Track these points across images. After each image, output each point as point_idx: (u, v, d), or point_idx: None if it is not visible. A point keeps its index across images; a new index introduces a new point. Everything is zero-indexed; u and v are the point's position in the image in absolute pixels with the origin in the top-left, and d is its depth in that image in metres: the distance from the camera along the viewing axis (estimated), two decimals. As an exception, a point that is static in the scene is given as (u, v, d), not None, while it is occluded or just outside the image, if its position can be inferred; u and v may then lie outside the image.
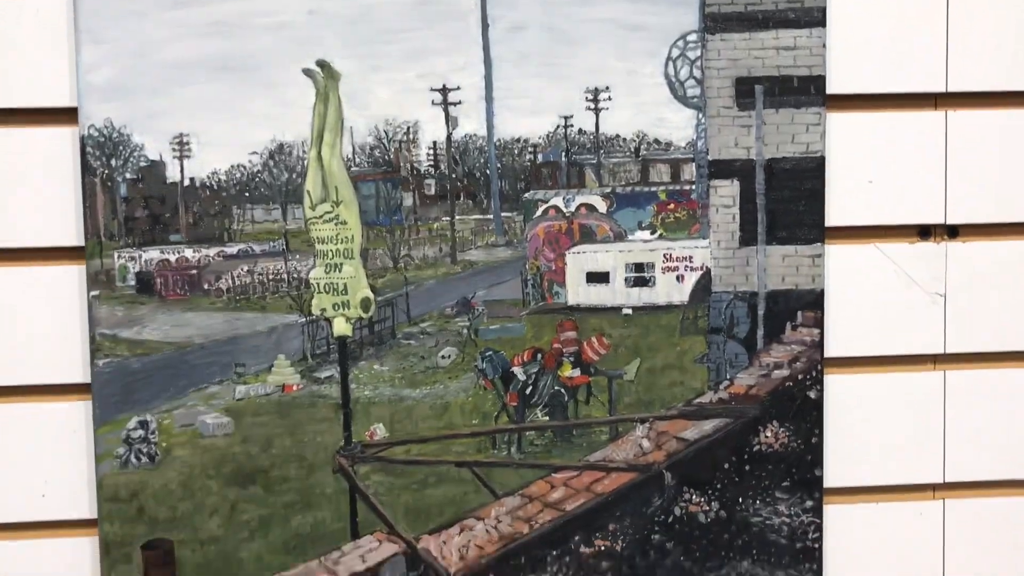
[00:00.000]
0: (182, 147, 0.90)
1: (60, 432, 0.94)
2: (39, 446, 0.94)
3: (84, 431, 0.93)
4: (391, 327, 0.95)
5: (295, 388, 0.94)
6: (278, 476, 0.94)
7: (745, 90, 0.95)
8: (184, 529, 0.93)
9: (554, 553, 0.98)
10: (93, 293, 0.91)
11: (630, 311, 0.97)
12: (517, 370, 0.96)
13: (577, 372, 0.97)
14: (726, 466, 0.98)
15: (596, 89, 0.92)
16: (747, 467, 0.98)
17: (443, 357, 0.95)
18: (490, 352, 0.95)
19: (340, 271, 0.93)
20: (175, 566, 0.93)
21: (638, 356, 0.96)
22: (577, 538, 0.98)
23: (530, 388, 0.97)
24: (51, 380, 0.94)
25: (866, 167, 0.98)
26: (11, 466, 0.94)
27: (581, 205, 0.96)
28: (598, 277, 0.97)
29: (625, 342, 0.96)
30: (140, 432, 0.92)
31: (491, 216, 0.94)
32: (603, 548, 0.98)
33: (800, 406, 0.98)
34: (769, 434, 0.98)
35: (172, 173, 0.91)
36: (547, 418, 0.97)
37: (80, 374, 0.93)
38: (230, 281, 0.93)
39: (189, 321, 0.92)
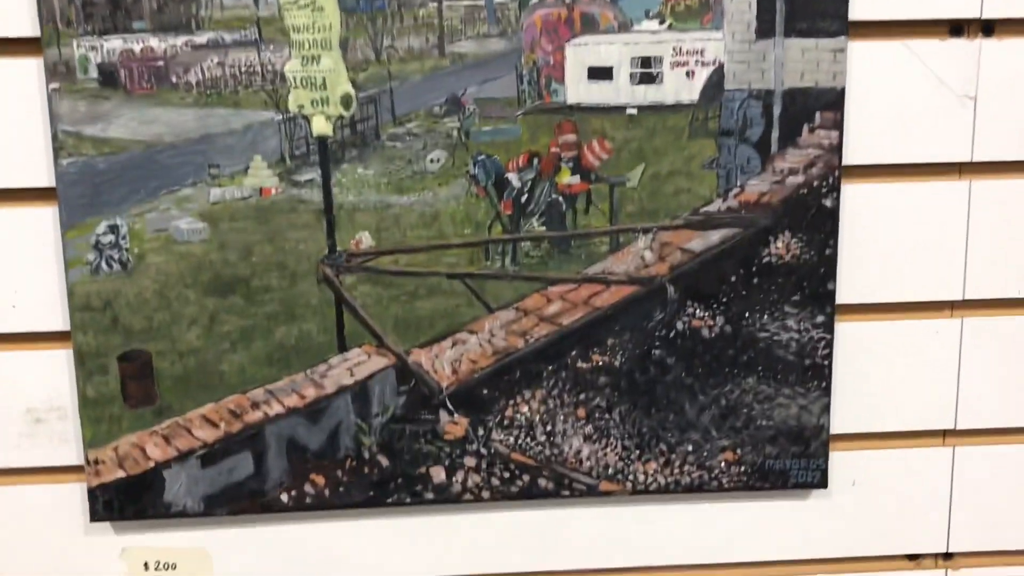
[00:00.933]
0: (140, -78, 0.81)
1: (27, 239, 0.89)
2: (6, 255, 0.89)
3: (52, 236, 0.88)
4: (375, 127, 0.87)
5: (273, 192, 0.88)
6: (259, 286, 0.89)
7: None
8: (162, 340, 0.89)
9: (550, 368, 0.93)
10: (53, 86, 0.84)
11: (635, 111, 0.89)
12: (512, 176, 0.89)
13: (576, 179, 0.90)
14: (733, 279, 0.92)
15: None
16: (755, 280, 0.92)
17: (432, 161, 0.88)
18: (483, 156, 0.88)
19: (318, 64, 0.85)
20: (153, 378, 0.90)
21: (642, 161, 0.89)
22: (574, 353, 0.93)
23: (525, 196, 0.90)
24: (14, 184, 0.88)
25: (896, -47, 0.89)
26: (-21, 275, 0.89)
27: (583, -8, 0.87)
28: (600, 73, 0.88)
29: (629, 146, 0.89)
30: (110, 237, 0.87)
31: (483, 2, 0.85)
32: (601, 363, 0.93)
33: (814, 216, 0.91)
34: (780, 245, 0.92)
35: (131, -47, 0.82)
36: (544, 228, 0.91)
37: (45, 177, 0.87)
38: (200, 74, 0.85)
39: (157, 117, 0.85)
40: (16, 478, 0.94)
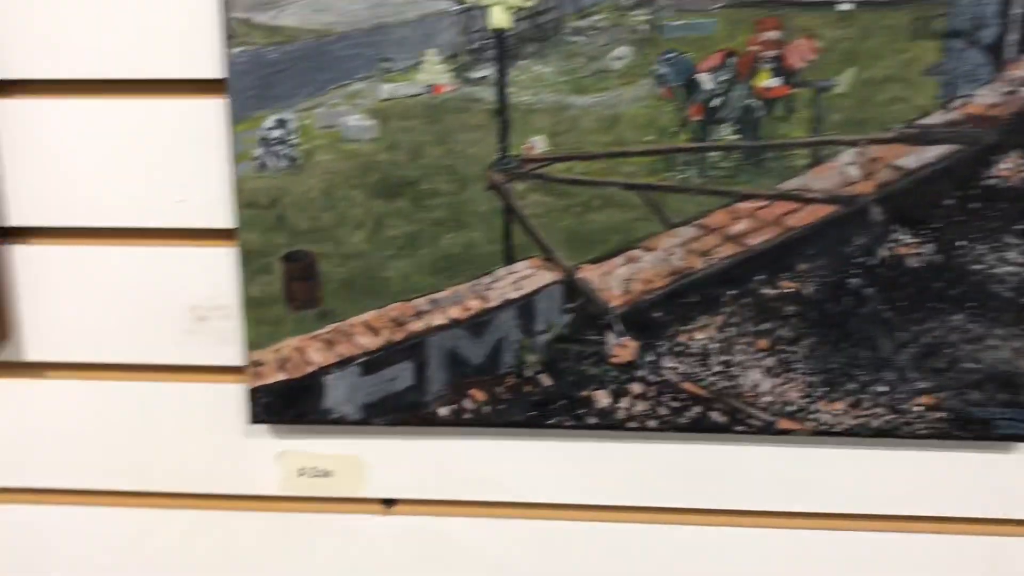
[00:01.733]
0: None
1: (195, 132, 0.87)
2: (175, 148, 0.87)
3: (220, 130, 0.86)
4: (556, 20, 0.80)
5: (446, 89, 0.82)
6: (427, 190, 0.85)
7: None
8: (327, 242, 0.86)
9: (731, 293, 0.86)
10: (228, -19, 0.81)
11: (850, 6, 0.79)
12: (703, 77, 0.81)
13: (777, 81, 0.81)
14: (948, 202, 0.82)
15: None
16: (974, 204, 0.82)
17: (616, 58, 0.81)
18: (672, 54, 0.80)
19: (499, -52, 0.78)
20: (318, 280, 0.87)
21: (854, 64, 0.79)
22: (760, 278, 0.85)
23: (718, 100, 0.82)
24: (184, 75, 0.85)
25: None
26: (148, 168, 0.88)
27: None
28: (812, -39, 0.79)
29: (839, 46, 0.79)
30: (278, 132, 0.83)
31: None
32: (789, 290, 0.85)
33: (1052, 132, 0.80)
34: (1007, 165, 0.81)
35: None
36: (737, 136, 0.83)
37: (216, 68, 0.84)
38: (373, -42, 0.80)
39: (329, 5, 0.81)
40: (177, 375, 0.94)
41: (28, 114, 0.87)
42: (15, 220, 0.90)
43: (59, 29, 0.85)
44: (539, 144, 0.84)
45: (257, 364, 0.89)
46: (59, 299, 0.92)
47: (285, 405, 0.90)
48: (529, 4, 0.80)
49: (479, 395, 0.89)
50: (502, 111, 0.82)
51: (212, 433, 0.95)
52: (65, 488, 0.99)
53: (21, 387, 0.95)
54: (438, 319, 0.87)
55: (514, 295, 0.87)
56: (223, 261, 0.90)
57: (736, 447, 0.91)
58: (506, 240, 0.86)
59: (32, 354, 0.94)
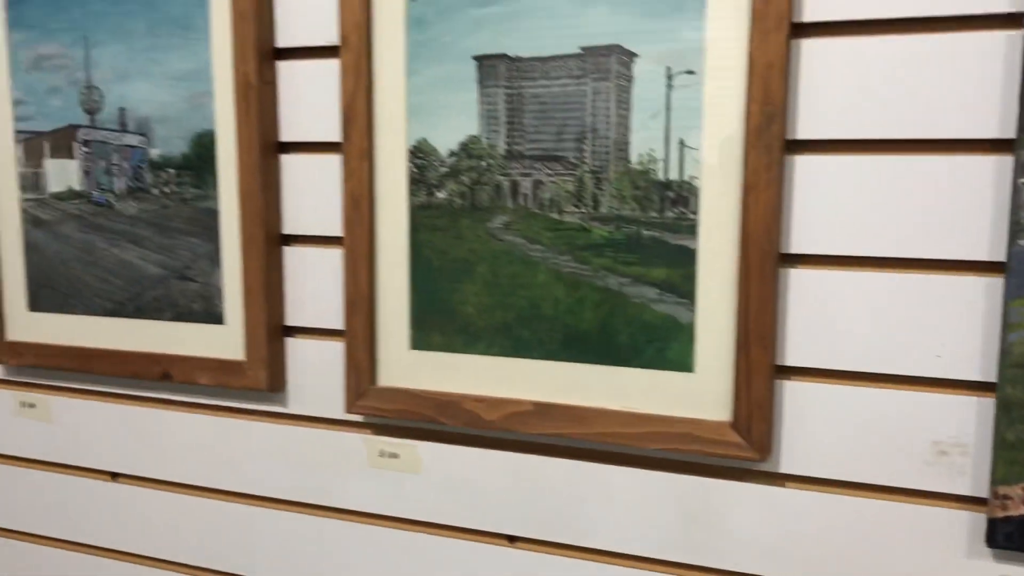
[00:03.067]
0: None
1: (965, 301, 1.06)
2: (940, 312, 1.07)
3: (989, 303, 1.04)
4: None
5: None
6: None
7: None
8: None
9: None
10: (1021, 180, 0.99)
11: None
12: None
13: None
14: None
15: None
16: None
17: None
18: None
19: None
20: (1078, 434, 1.01)
21: None
22: None
23: None
24: (963, 256, 1.05)
25: None
26: (911, 328, 1.08)
27: None
28: None
29: None
30: (1057, 309, 1.00)
31: None
32: None
33: None
34: None
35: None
36: None
37: (994, 253, 1.03)
38: None
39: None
40: (916, 499, 1.12)
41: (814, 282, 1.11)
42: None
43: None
44: None
45: (1004, 497, 1.05)
46: (816, 424, 1.14)
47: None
48: None
49: None
50: None
51: (938, 552, 1.12)
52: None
53: (767, 492, 1.18)
54: None
55: None
56: (969, 406, 1.07)
57: None
58: None
59: (783, 466, 1.17)
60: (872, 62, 1.05)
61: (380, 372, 1.32)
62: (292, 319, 1.38)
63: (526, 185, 1.21)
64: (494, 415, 1.25)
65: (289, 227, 1.37)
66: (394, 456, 1.35)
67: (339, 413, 1.37)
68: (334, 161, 1.32)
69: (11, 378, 1.62)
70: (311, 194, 1.35)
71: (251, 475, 1.45)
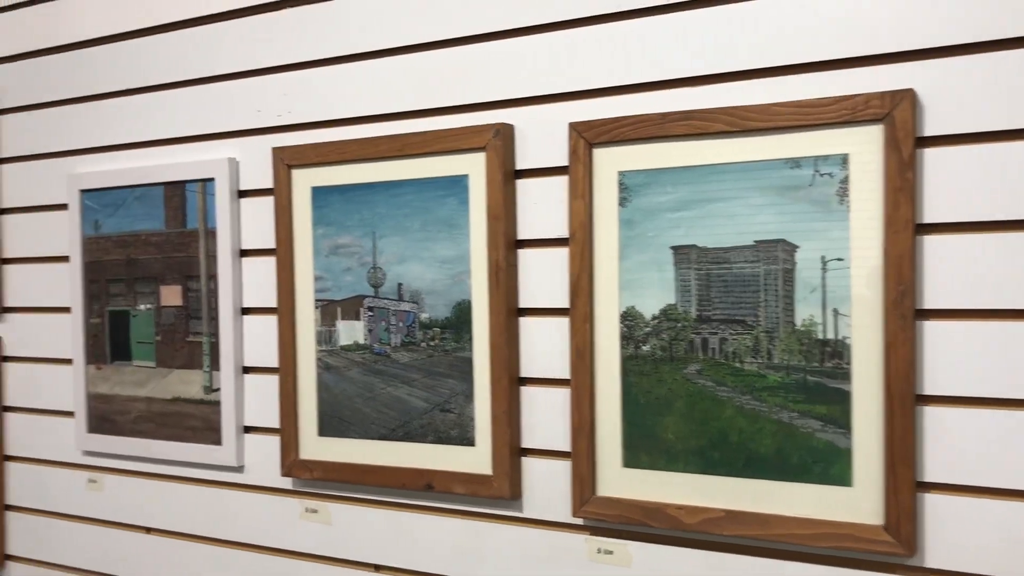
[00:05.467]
0: None
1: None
2: (1048, 440, 1.38)
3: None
4: None
5: None
6: None
7: None
8: None
9: None
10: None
11: None
12: None
13: None
14: None
15: None
16: None
17: None
18: None
19: None
20: None
21: None
22: None
23: None
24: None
25: None
26: (1027, 452, 1.39)
27: None
28: None
29: None
30: None
31: None
32: None
33: None
34: None
35: None
36: None
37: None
38: None
39: None
40: (1040, 590, 1.41)
41: None
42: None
43: None
44: None
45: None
46: (955, 527, 1.45)
47: None
48: None
49: None
50: None
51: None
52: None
53: (916, 584, 1.49)
54: None
55: None
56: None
57: None
58: None
59: (928, 562, 1.47)
60: (982, 251, 1.41)
61: (599, 484, 1.70)
62: (526, 442, 1.80)
63: (714, 341, 1.60)
64: (693, 520, 1.61)
65: (525, 371, 1.80)
66: (609, 553, 1.72)
67: (565, 517, 1.76)
68: (558, 322, 1.75)
69: (297, 489, 2.09)
70: (542, 346, 1.78)
71: (492, 567, 1.84)
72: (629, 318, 1.67)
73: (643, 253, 1.65)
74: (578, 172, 1.69)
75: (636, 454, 1.67)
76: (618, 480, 1.69)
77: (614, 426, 1.69)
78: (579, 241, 1.70)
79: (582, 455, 1.71)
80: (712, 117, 1.57)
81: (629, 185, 1.66)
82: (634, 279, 1.66)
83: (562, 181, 1.75)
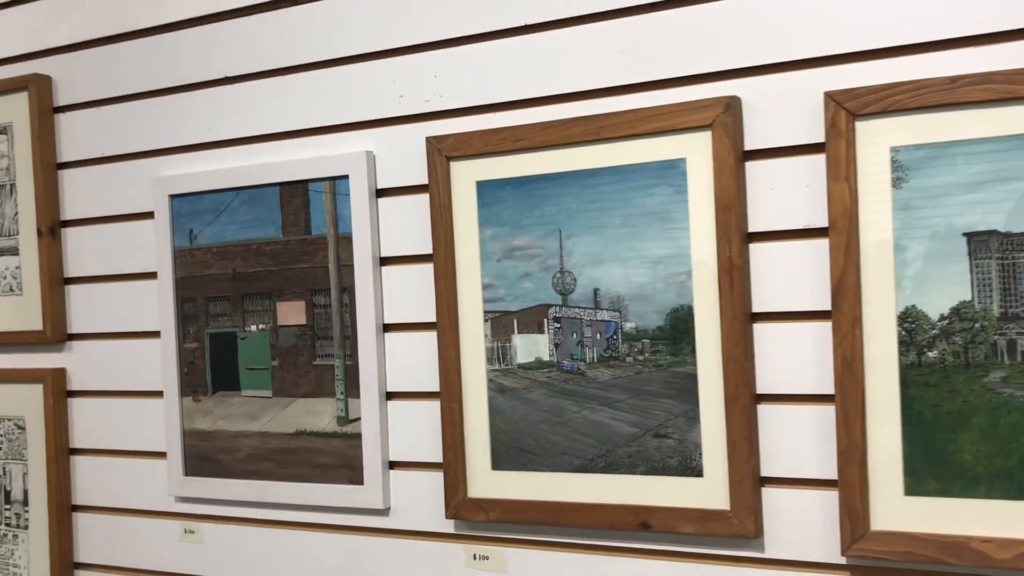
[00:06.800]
0: None
1: None
2: None
3: None
4: None
5: None
6: None
7: None
8: None
9: None
10: None
11: None
12: None
13: None
14: None
15: None
16: None
17: None
18: None
19: None
20: None
21: None
22: None
23: None
24: None
25: None
26: None
27: None
28: None
29: None
30: None
31: None
32: None
33: None
34: None
35: None
36: None
37: None
38: None
39: None
40: None
41: None
42: None
43: None
44: None
45: None
46: None
47: None
48: None
49: None
50: None
51: None
52: None
53: None
54: None
55: None
56: None
57: None
58: None
59: None
60: None
61: (872, 516, 1.44)
62: (765, 470, 1.53)
63: (1023, 343, 1.35)
64: (1005, 555, 1.35)
65: (762, 387, 1.53)
66: (883, 596, 1.46)
67: (826, 556, 1.50)
68: (807, 328, 1.50)
69: (461, 532, 1.79)
70: (783, 357, 1.52)
71: (724, 617, 1.57)
72: (909, 319, 1.42)
73: (926, 242, 1.40)
74: (839, 149, 1.43)
75: (921, 480, 1.41)
76: (900, 511, 1.43)
77: (893, 448, 1.43)
78: (842, 231, 1.44)
79: (853, 483, 1.44)
80: (1021, 79, 1.33)
81: (904, 163, 1.41)
82: (914, 273, 1.41)
83: (806, 161, 1.49)
